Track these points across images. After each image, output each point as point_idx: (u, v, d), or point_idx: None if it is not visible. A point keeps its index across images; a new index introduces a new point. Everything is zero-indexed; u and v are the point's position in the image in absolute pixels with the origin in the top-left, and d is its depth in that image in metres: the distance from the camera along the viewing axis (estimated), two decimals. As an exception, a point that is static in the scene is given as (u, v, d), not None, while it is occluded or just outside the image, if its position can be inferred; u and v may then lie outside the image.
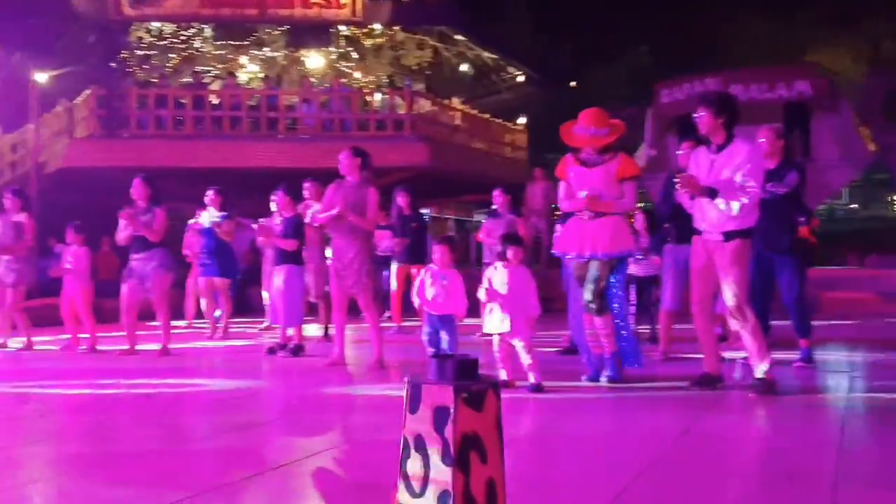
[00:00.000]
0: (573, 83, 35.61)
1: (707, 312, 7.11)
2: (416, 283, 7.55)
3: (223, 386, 8.07)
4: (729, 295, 6.80)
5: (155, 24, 25.20)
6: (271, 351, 10.23)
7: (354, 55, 26.43)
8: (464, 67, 29.13)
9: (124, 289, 10.23)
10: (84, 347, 10.94)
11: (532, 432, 5.90)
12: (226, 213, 12.38)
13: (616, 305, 7.38)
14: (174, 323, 11.40)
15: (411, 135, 20.46)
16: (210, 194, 12.49)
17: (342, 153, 8.83)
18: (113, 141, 20.04)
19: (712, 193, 6.70)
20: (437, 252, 7.47)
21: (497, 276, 7.03)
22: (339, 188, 8.82)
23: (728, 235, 6.78)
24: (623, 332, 7.43)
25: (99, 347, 10.91)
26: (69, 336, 11.26)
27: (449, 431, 3.05)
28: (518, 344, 7.02)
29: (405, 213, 12.77)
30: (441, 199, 28.93)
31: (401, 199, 12.81)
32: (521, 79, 30.92)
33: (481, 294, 7.05)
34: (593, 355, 7.47)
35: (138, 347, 10.32)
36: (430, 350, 7.41)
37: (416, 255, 12.55)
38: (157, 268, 10.11)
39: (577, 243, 7.30)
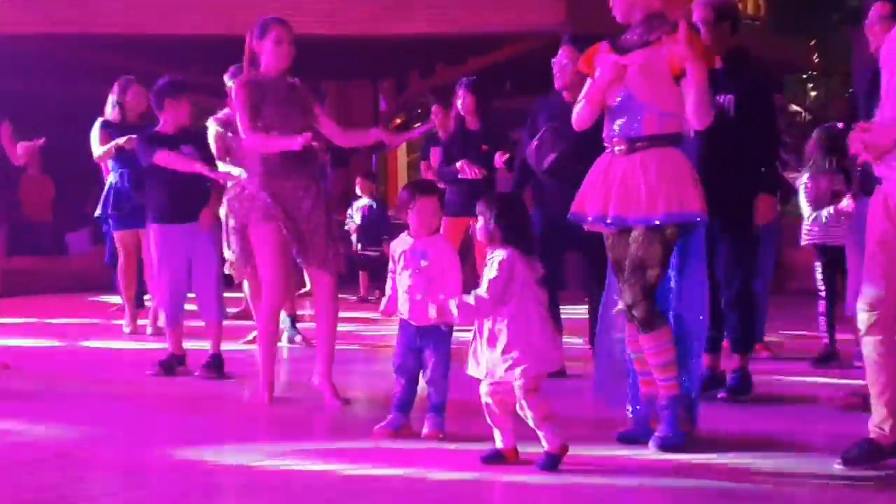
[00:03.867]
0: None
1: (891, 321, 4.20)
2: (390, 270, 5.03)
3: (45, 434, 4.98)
4: None
5: None
6: (166, 367, 6.60)
7: None
8: None
9: None
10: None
11: None
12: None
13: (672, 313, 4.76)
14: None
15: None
16: None
17: None
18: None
19: None
20: (417, 208, 4.84)
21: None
22: (260, 86, 5.67)
23: None
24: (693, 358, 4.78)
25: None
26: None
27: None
28: (516, 380, 4.21)
29: (468, 127, 8.43)
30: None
31: (463, 100, 8.39)
32: None
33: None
34: (640, 397, 4.78)
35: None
36: (398, 387, 4.95)
37: (472, 199, 6.38)
38: None
39: (602, 198, 4.66)
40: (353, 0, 13.10)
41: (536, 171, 6.50)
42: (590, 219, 4.74)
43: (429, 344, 4.91)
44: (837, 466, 4.25)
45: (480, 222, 4.37)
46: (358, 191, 12.08)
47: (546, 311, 4.39)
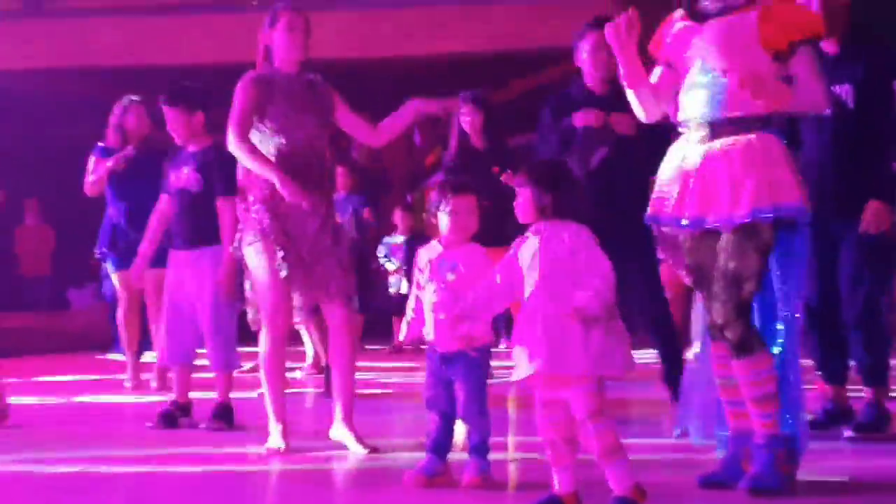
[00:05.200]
0: None
1: None
2: (414, 287, 4.55)
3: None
4: None
5: None
6: (167, 419, 6.00)
7: None
8: None
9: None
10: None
11: None
12: None
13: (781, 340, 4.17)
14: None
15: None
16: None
17: None
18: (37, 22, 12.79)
19: None
20: (451, 208, 4.34)
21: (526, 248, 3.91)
22: (269, 83, 5.12)
23: None
24: (794, 392, 4.20)
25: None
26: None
27: None
28: (578, 404, 3.69)
29: (473, 145, 7.68)
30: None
31: (466, 118, 7.60)
32: None
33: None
34: (733, 434, 4.20)
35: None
36: (431, 424, 4.42)
37: (495, 229, 6.01)
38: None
39: (683, 195, 4.08)
40: (379, 17, 12.24)
41: (578, 173, 5.48)
42: (669, 221, 4.15)
43: (457, 373, 4.34)
44: None
45: (528, 195, 3.78)
46: (397, 222, 10.94)
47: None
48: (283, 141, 5.05)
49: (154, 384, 7.67)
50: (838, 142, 5.06)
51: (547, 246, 3.75)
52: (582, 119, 5.80)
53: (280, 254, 5.01)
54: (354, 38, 12.13)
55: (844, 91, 5.10)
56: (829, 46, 5.09)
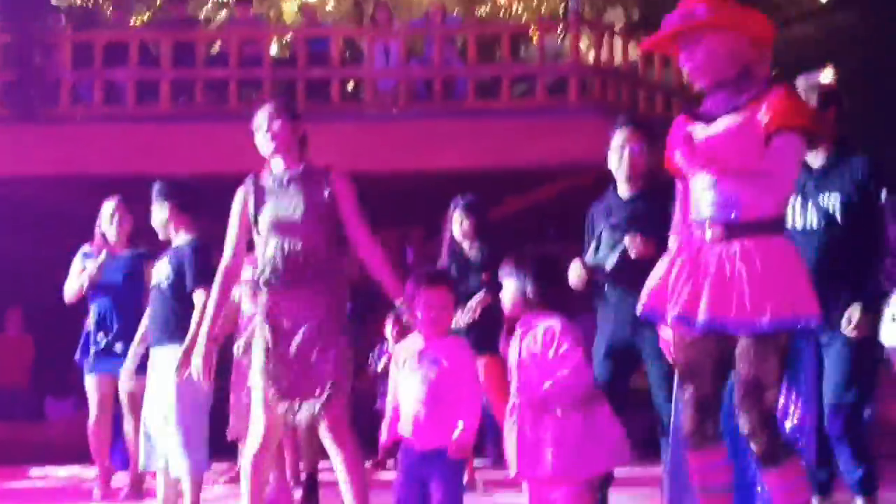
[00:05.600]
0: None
1: None
2: (391, 384, 4.57)
3: None
4: None
5: None
6: None
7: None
8: None
9: None
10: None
11: None
12: None
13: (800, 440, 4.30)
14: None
15: (580, 104, 11.73)
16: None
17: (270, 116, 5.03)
18: (29, 129, 12.00)
19: None
20: (423, 302, 4.38)
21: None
22: (259, 187, 4.99)
23: None
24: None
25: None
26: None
27: None
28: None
29: (465, 255, 7.29)
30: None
31: (461, 224, 7.30)
32: None
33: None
34: None
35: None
36: None
37: (486, 335, 6.57)
38: None
39: (689, 293, 3.94)
40: (371, 132, 11.95)
41: (599, 276, 5.51)
42: (671, 317, 4.01)
43: (434, 473, 4.30)
44: None
45: (511, 288, 4.00)
46: (388, 334, 10.47)
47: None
48: (276, 236, 4.88)
49: (125, 491, 7.29)
50: (826, 253, 5.05)
51: (522, 343, 3.89)
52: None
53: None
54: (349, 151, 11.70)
55: (832, 202, 5.14)
56: (817, 156, 5.19)
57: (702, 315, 3.90)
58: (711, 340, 3.99)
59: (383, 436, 4.53)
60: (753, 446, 3.95)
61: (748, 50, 4.00)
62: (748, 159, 3.93)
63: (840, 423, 5.09)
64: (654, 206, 5.32)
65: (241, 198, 4.98)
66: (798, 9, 18.91)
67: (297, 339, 4.68)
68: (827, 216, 5.10)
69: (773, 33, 4.16)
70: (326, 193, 4.82)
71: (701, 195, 4.05)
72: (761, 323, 3.82)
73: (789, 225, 4.84)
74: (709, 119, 4.05)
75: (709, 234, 3.97)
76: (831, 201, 5.14)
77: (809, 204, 5.16)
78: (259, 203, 4.87)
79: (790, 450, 4.02)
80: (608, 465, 3.94)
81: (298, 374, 4.68)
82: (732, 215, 3.94)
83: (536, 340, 3.94)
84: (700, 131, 4.05)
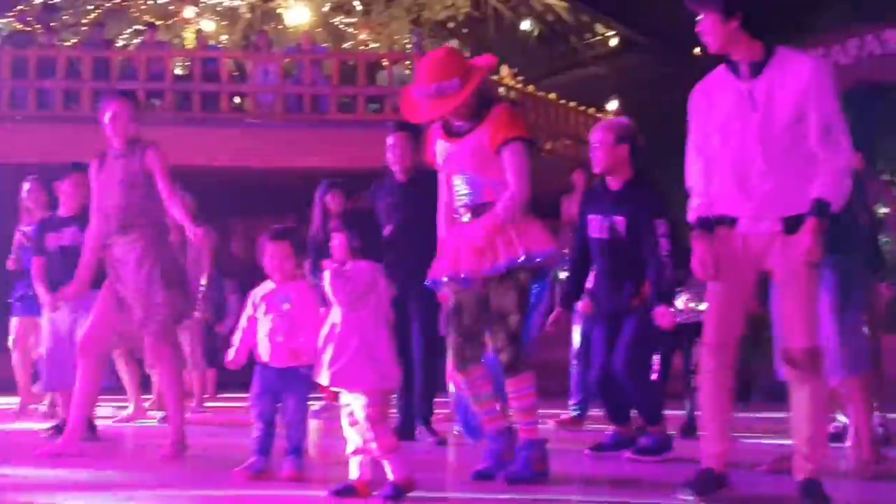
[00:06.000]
0: (697, 50, 17.90)
1: None
2: (243, 319, 4.96)
3: None
4: None
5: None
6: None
7: (357, 4, 19.01)
8: (525, 25, 21.10)
9: None
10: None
11: None
12: None
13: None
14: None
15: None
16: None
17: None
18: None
19: None
20: (268, 253, 4.86)
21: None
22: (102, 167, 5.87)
23: None
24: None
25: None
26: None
27: None
28: (357, 407, 4.26)
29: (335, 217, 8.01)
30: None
31: (331, 202, 8.48)
32: (614, 42, 21.46)
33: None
34: (491, 435, 5.07)
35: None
36: (257, 431, 4.85)
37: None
38: None
39: (452, 259, 4.90)
40: (253, 136, 13.87)
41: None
42: (444, 278, 4.93)
43: (289, 386, 4.87)
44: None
45: (337, 241, 4.36)
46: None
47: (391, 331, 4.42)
48: (98, 208, 5.93)
49: (43, 407, 8.32)
50: (614, 258, 5.90)
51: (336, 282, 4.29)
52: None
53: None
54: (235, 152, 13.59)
55: (619, 222, 5.84)
56: (614, 184, 5.89)
57: (465, 271, 4.82)
58: (472, 289, 4.87)
59: (230, 356, 4.90)
60: (502, 358, 4.86)
61: (482, 85, 4.87)
62: (486, 170, 4.83)
63: (626, 371, 5.84)
64: (422, 189, 6.04)
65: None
66: (592, 52, 21.65)
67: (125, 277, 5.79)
68: (615, 231, 5.85)
69: (495, 62, 5.13)
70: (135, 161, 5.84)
71: (454, 190, 4.99)
72: (498, 265, 4.75)
73: (591, 234, 5.87)
74: (456, 134, 4.92)
75: (462, 215, 4.96)
76: (619, 221, 5.84)
77: (602, 220, 5.90)
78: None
79: (527, 364, 4.90)
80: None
81: (131, 306, 5.75)
82: (477, 200, 4.89)
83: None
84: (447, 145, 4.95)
